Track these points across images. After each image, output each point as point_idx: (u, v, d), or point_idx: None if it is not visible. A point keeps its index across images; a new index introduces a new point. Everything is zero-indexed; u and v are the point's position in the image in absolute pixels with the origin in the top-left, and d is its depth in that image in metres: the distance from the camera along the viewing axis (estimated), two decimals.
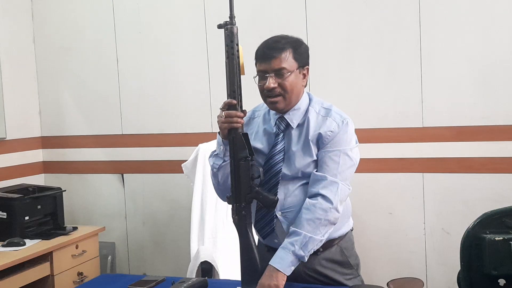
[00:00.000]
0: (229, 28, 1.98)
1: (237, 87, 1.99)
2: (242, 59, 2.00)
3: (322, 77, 3.31)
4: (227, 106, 1.99)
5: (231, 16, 2.00)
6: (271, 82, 2.02)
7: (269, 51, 2.03)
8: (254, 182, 2.01)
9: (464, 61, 3.15)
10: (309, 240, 1.95)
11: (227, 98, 2.00)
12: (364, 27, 3.31)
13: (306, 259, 1.97)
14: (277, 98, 2.05)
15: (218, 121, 2.03)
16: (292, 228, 1.99)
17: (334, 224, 2.03)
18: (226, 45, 1.99)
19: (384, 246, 3.34)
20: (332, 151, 2.04)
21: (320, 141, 2.06)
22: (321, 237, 1.98)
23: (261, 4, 3.49)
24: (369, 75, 3.32)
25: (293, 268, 1.95)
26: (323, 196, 1.99)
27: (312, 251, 1.99)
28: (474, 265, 1.38)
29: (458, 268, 3.14)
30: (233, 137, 2.00)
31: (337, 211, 2.00)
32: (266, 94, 2.06)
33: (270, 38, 2.10)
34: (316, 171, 2.05)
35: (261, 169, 2.05)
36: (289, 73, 2.03)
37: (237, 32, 1.98)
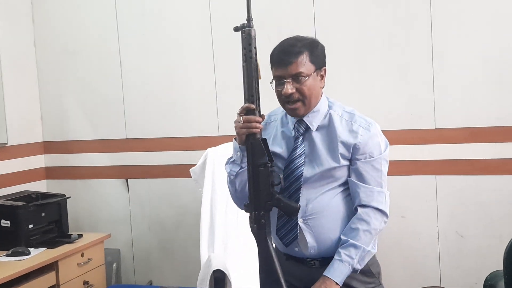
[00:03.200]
0: (246, 31, 1.89)
1: (255, 91, 1.91)
2: (258, 63, 1.91)
3: (332, 79, 3.16)
4: (245, 111, 1.91)
5: (249, 19, 1.90)
6: (289, 88, 1.94)
7: (285, 56, 1.94)
8: (274, 189, 1.93)
9: (477, 60, 3.07)
10: (367, 254, 1.98)
11: (245, 103, 1.91)
12: (374, 27, 3.23)
13: (357, 273, 2.00)
14: (297, 105, 1.97)
15: (235, 127, 1.94)
16: (345, 238, 1.97)
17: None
18: (244, 48, 1.90)
19: (396, 250, 3.25)
20: (373, 160, 2.00)
21: (354, 150, 1.99)
22: (373, 250, 2.02)
23: (268, 5, 3.40)
24: (380, 76, 3.24)
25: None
26: (377, 208, 1.99)
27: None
28: None
29: (473, 272, 3.11)
30: (252, 143, 1.91)
31: (387, 222, 2.04)
32: (284, 100, 1.98)
33: (285, 41, 2.01)
34: (356, 183, 2.00)
35: (281, 175, 1.98)
36: (307, 77, 1.94)
37: (255, 34, 1.89)
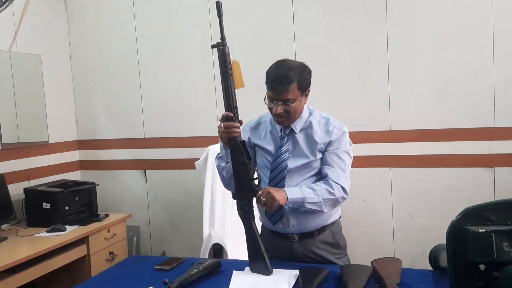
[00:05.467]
0: (221, 49, 1.81)
1: (232, 101, 1.84)
2: (240, 73, 1.83)
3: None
4: (224, 118, 1.86)
5: (222, 38, 1.83)
6: (279, 109, 1.91)
7: (278, 86, 1.87)
8: (254, 183, 1.88)
9: (423, 76, 3.07)
10: (317, 205, 1.89)
11: (225, 111, 1.85)
12: (342, 48, 3.22)
13: (301, 210, 1.91)
14: (284, 119, 1.96)
15: (218, 131, 1.90)
16: (312, 185, 1.92)
17: (334, 208, 2.00)
18: (220, 64, 1.83)
19: (359, 227, 3.24)
20: (338, 151, 1.99)
21: (327, 145, 1.99)
22: (326, 210, 1.93)
23: (258, 30, 3.38)
24: (346, 88, 3.23)
25: (291, 205, 1.87)
26: (342, 186, 1.93)
27: (309, 210, 1.91)
28: (459, 253, 1.27)
29: (420, 244, 3.10)
30: (233, 145, 1.86)
31: (345, 199, 1.97)
32: (274, 115, 1.96)
33: (279, 68, 1.89)
34: (325, 167, 1.97)
35: (258, 172, 1.94)
36: (294, 101, 1.91)
37: (229, 52, 1.81)
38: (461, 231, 1.26)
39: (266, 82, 1.92)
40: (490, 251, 1.20)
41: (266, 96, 1.93)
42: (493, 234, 1.20)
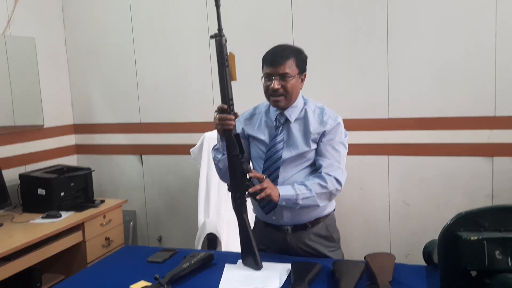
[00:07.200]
0: (218, 40, 1.78)
1: (227, 93, 1.80)
2: (234, 66, 1.79)
3: (307, 77, 3.13)
4: (219, 110, 1.83)
5: (220, 29, 1.79)
6: (276, 84, 1.89)
7: (276, 58, 1.89)
8: (246, 177, 1.85)
9: (423, 64, 3.00)
10: (311, 200, 1.88)
11: (221, 103, 1.82)
12: (341, 34, 3.14)
13: (296, 207, 1.90)
14: (280, 98, 1.93)
15: (214, 123, 1.86)
16: (302, 181, 1.91)
17: (330, 201, 1.99)
18: (217, 55, 1.80)
19: (356, 215, 3.22)
20: (333, 142, 1.96)
21: (322, 135, 1.96)
22: (320, 204, 1.92)
23: (255, 16, 3.29)
24: (345, 75, 3.16)
25: (284, 203, 1.86)
26: (335, 178, 1.91)
27: (304, 206, 1.90)
28: (451, 258, 1.25)
29: (416, 233, 3.09)
30: (227, 137, 1.83)
31: (339, 191, 1.94)
32: (271, 93, 1.93)
33: (277, 46, 1.94)
34: (319, 158, 1.95)
35: (249, 166, 1.91)
36: (292, 77, 1.90)
37: (226, 43, 1.78)
38: (453, 236, 1.23)
39: (263, 60, 1.92)
40: (482, 259, 1.17)
41: (264, 75, 1.92)
42: (485, 242, 1.17)
